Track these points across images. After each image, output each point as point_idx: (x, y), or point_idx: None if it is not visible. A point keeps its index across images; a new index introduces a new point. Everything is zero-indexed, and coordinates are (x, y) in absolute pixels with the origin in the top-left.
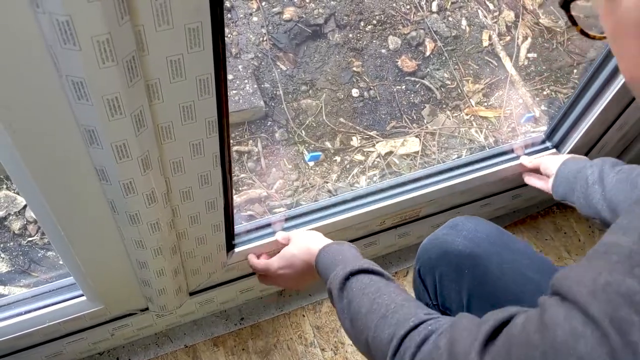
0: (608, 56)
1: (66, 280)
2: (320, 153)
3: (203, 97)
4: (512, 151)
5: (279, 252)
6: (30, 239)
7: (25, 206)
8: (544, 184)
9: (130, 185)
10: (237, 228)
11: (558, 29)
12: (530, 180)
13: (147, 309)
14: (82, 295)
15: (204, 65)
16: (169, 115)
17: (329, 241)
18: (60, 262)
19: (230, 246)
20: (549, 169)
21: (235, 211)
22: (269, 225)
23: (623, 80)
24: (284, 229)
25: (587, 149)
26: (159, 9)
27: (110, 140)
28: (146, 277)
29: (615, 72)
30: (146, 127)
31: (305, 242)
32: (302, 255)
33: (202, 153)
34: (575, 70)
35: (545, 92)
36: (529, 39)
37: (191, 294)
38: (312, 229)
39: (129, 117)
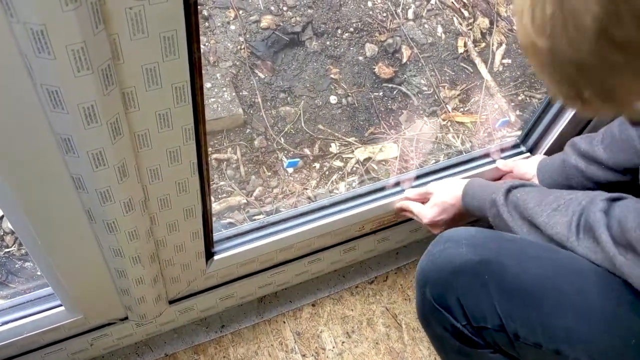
0: None
1: (44, 291)
2: (298, 159)
3: (179, 104)
4: (487, 155)
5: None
6: (7, 250)
7: (2, 217)
8: None
9: (107, 193)
10: (217, 235)
11: None
12: None
13: (126, 318)
14: (60, 306)
15: (180, 73)
16: (145, 123)
17: (465, 181)
18: (38, 273)
19: (209, 254)
20: (527, 174)
21: (214, 219)
22: (248, 232)
23: None
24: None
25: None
26: (134, 17)
27: (87, 148)
28: (125, 286)
29: None
30: (122, 135)
31: (449, 189)
32: (451, 200)
33: (179, 160)
34: None
35: (520, 97)
36: (504, 45)
37: (171, 302)
38: (291, 235)
39: (105, 125)
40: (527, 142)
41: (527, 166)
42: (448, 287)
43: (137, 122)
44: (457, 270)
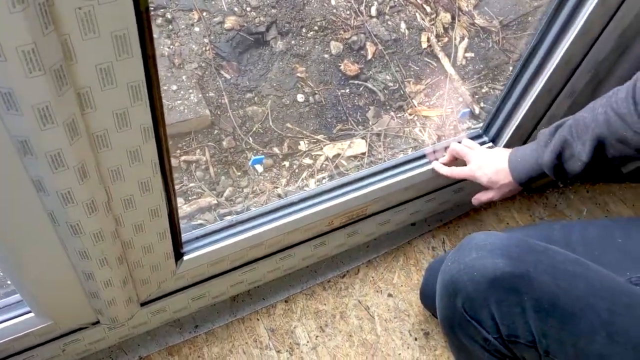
0: (534, 51)
1: (12, 298)
2: (262, 156)
3: (136, 103)
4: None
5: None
6: None
7: None
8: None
9: (69, 195)
10: (186, 236)
11: (493, 29)
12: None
13: (98, 322)
14: (29, 312)
15: (135, 72)
16: (103, 123)
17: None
18: (8, 282)
19: (178, 254)
20: (469, 152)
21: (185, 221)
22: (217, 231)
23: (549, 74)
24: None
25: (522, 141)
26: (84, 17)
27: (44, 150)
28: (94, 289)
29: (541, 67)
30: (80, 135)
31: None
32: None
33: (141, 160)
34: (510, 68)
35: (484, 90)
36: (466, 39)
37: (142, 304)
38: (261, 233)
39: (61, 126)
40: (489, 132)
41: (465, 148)
42: (482, 300)
43: (95, 122)
44: (493, 283)
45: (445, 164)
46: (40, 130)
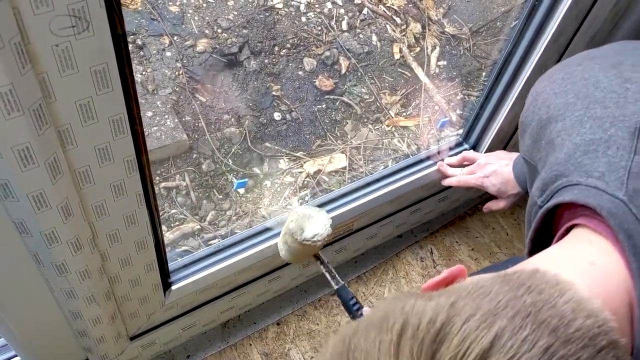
0: (509, 57)
1: None
2: (247, 179)
3: (118, 137)
4: (432, 157)
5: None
6: None
7: None
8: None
9: (53, 234)
10: (172, 265)
11: (463, 36)
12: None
13: None
14: (15, 356)
15: (116, 106)
16: (85, 159)
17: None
18: None
19: (166, 284)
20: (477, 157)
21: (169, 248)
22: (204, 258)
23: (526, 78)
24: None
25: (502, 146)
26: (62, 54)
27: (26, 191)
28: (82, 328)
29: (517, 72)
30: (62, 173)
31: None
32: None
33: (125, 193)
34: (483, 73)
35: (459, 97)
36: (438, 48)
37: (132, 338)
38: (248, 256)
39: (42, 166)
40: (469, 140)
41: (474, 153)
42: None
43: (77, 159)
44: None
45: (451, 165)
46: (21, 172)
